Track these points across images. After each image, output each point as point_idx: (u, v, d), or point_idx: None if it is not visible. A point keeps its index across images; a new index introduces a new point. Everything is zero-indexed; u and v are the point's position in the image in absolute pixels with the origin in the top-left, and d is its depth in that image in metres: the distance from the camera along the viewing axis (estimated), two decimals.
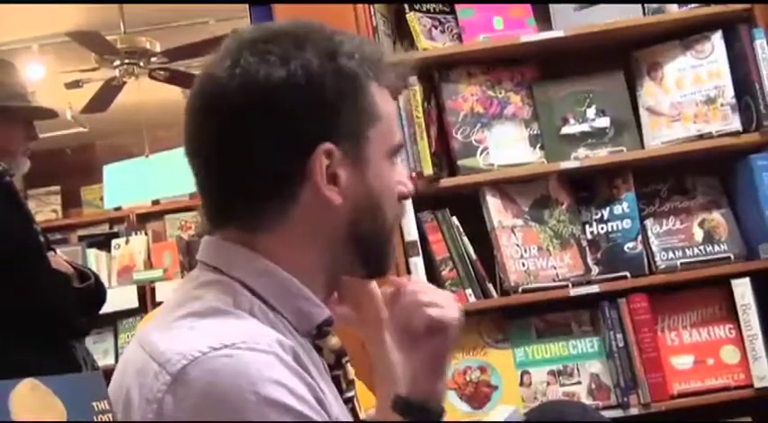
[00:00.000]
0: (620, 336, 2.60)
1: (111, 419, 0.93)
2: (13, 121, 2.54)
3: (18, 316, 2.23)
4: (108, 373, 1.09)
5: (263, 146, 1.12)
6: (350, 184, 1.14)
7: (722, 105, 2.67)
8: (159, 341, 1.06)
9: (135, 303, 5.92)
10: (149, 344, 1.07)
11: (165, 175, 6.25)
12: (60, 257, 2.51)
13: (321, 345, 1.19)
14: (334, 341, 1.21)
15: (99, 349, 5.87)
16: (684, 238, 2.70)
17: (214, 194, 1.18)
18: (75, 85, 5.87)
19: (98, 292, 2.54)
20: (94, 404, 0.91)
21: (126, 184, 6.44)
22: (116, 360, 5.98)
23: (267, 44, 1.14)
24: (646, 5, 2.76)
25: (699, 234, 2.71)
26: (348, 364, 1.23)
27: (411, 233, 2.58)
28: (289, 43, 1.14)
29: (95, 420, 0.91)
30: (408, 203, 2.43)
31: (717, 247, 2.69)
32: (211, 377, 0.98)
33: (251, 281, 1.13)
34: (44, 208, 7.02)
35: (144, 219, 6.85)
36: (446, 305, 1.26)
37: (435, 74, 2.72)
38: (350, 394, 1.22)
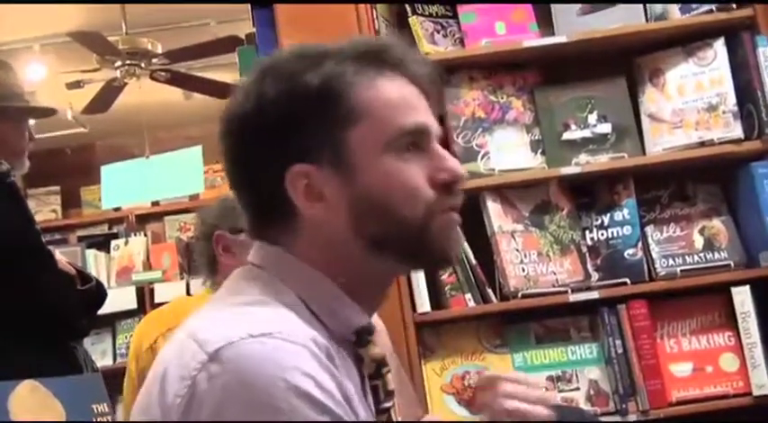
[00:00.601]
0: (619, 342, 2.59)
1: (111, 421, 0.93)
2: (17, 122, 2.54)
3: (19, 316, 2.23)
4: (106, 374, 1.10)
5: (246, 175, 1.21)
6: (339, 195, 1.16)
7: (724, 113, 2.67)
8: (202, 325, 1.11)
9: (134, 304, 5.92)
10: (192, 328, 1.11)
11: (165, 177, 6.25)
12: (61, 259, 2.50)
13: (362, 353, 1.20)
14: (375, 350, 1.21)
15: (97, 350, 5.86)
16: (685, 245, 2.70)
17: (248, 211, 1.24)
18: (77, 85, 5.88)
19: (99, 294, 2.54)
20: (94, 406, 0.91)
21: (124, 185, 6.44)
22: (114, 361, 5.98)
23: (249, 78, 1.21)
24: (648, 12, 2.76)
25: (699, 241, 2.71)
26: (389, 375, 1.23)
27: None
28: (256, 75, 1.20)
29: (94, 422, 0.90)
30: None
31: (717, 255, 2.69)
32: (243, 361, 1.02)
33: (290, 281, 1.17)
34: (44, 208, 7.01)
35: (143, 220, 6.84)
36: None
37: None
38: (387, 405, 1.22)
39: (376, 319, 1.56)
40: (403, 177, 1.16)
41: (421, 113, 1.20)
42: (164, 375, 1.07)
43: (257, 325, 1.06)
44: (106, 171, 6.50)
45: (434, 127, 1.22)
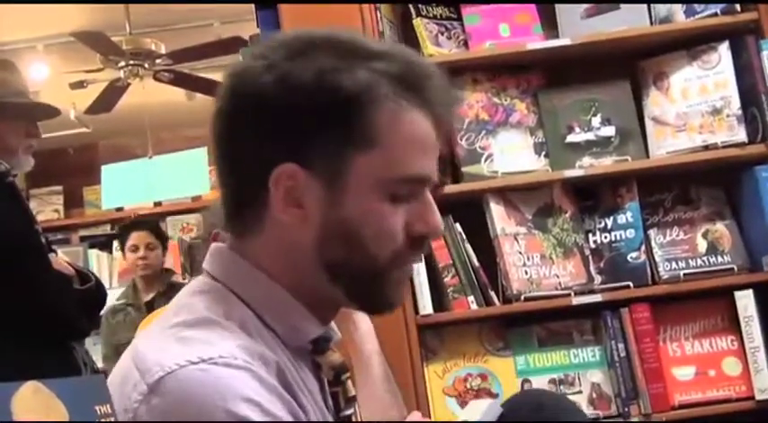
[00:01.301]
0: (621, 345, 2.59)
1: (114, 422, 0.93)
2: (11, 118, 2.52)
3: (18, 316, 2.23)
4: (108, 374, 1.10)
5: (237, 153, 1.13)
6: (317, 208, 1.10)
7: (728, 116, 2.66)
8: (145, 350, 1.07)
9: None
10: (138, 352, 1.08)
11: (167, 177, 6.25)
12: (61, 259, 2.50)
13: (320, 361, 1.17)
14: (334, 357, 1.18)
15: (99, 350, 5.85)
16: (688, 248, 2.70)
17: (222, 198, 1.18)
18: (80, 85, 5.87)
19: (99, 294, 2.54)
20: (97, 408, 0.90)
21: (125, 185, 6.44)
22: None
23: (271, 49, 1.12)
24: (653, 15, 2.76)
25: (702, 245, 2.70)
26: (348, 382, 1.20)
27: None
28: (286, 52, 1.10)
29: None
30: None
31: (720, 259, 2.68)
32: (184, 390, 0.99)
33: (241, 290, 1.13)
34: (46, 208, 7.02)
35: None
36: None
37: None
38: (348, 412, 1.19)
39: (364, 318, 1.54)
40: (384, 220, 1.11)
41: (429, 162, 1.15)
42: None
43: (198, 350, 1.02)
44: (106, 171, 6.50)
45: (435, 176, 1.17)
